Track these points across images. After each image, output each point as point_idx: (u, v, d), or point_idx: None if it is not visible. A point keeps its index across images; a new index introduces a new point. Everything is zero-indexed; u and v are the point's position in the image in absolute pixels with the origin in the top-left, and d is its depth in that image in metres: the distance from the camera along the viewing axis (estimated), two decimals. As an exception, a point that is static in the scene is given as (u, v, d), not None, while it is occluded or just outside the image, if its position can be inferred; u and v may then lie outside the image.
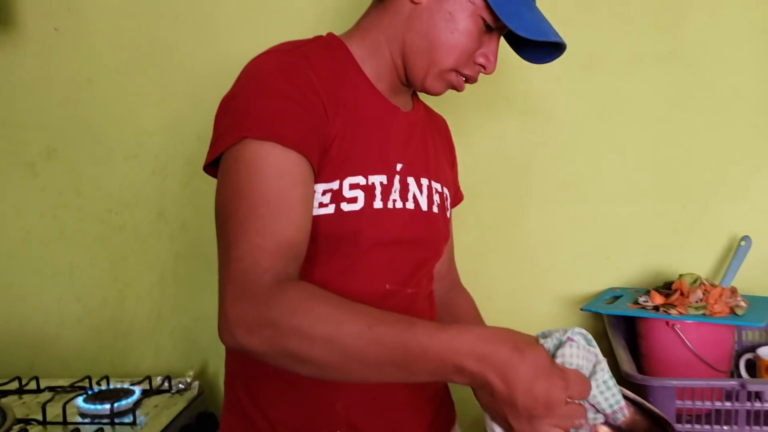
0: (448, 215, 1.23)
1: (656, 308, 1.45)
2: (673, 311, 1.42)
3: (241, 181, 0.91)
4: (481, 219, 1.67)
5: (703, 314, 1.40)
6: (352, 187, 1.02)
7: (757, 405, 1.20)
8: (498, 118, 1.64)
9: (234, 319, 0.82)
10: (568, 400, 0.78)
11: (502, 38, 1.15)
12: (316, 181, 0.99)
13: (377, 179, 1.05)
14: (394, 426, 1.10)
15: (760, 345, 1.55)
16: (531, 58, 1.19)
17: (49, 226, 1.73)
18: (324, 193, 1.00)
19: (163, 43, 1.67)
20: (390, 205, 1.06)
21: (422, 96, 1.23)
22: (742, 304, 1.44)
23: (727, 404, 1.20)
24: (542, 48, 1.15)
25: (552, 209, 1.67)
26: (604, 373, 0.85)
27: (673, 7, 1.60)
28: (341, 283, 1.02)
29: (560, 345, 0.85)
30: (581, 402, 0.82)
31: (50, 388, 1.53)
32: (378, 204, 1.04)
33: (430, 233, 1.15)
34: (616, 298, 1.57)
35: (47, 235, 1.73)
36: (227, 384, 1.12)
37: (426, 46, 1.06)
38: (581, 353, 0.83)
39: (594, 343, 0.86)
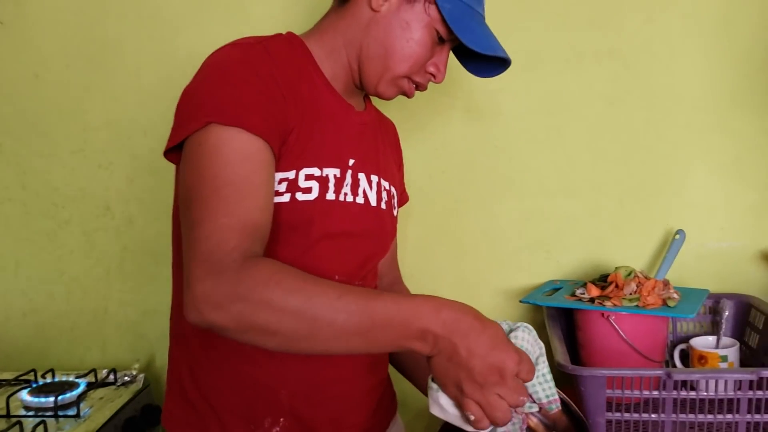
0: (395, 213, 1.27)
1: (592, 300, 1.50)
2: (607, 303, 1.47)
3: (206, 165, 0.93)
4: (426, 214, 1.70)
5: (637, 306, 1.45)
6: (308, 177, 1.05)
7: (683, 393, 1.25)
8: (442, 115, 1.68)
9: (201, 296, 0.83)
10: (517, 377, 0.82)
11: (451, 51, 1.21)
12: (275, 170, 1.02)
13: (331, 172, 1.09)
14: (336, 415, 1.13)
15: (694, 336, 1.61)
16: (476, 71, 1.27)
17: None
18: (280, 182, 1.03)
19: (110, 38, 1.67)
20: (342, 197, 1.10)
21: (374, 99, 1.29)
22: (675, 296, 1.49)
23: (655, 393, 1.25)
24: (488, 62, 1.23)
25: (494, 204, 1.71)
26: (545, 366, 0.91)
27: (612, 7, 1.65)
28: None
29: (511, 331, 0.90)
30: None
31: (-6, 382, 1.54)
32: (331, 195, 1.08)
33: (378, 228, 1.19)
34: (556, 290, 1.61)
35: (-8, 230, 1.73)
36: (171, 371, 1.14)
37: (382, 53, 1.10)
38: (531, 340, 0.89)
39: (538, 338, 0.90)
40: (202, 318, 0.83)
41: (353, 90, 1.18)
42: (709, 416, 1.25)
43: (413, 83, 1.16)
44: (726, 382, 1.25)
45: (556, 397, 0.92)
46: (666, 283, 1.50)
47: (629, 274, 1.52)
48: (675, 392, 1.23)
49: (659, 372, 1.23)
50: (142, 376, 1.59)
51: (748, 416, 1.23)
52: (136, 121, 1.69)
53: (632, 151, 1.69)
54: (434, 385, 0.87)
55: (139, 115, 1.69)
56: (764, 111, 1.67)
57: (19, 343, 1.74)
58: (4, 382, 1.53)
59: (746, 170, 1.69)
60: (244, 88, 0.98)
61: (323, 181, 1.07)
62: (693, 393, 1.26)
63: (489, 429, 0.85)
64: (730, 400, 1.26)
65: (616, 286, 1.51)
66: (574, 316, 1.55)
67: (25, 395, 1.45)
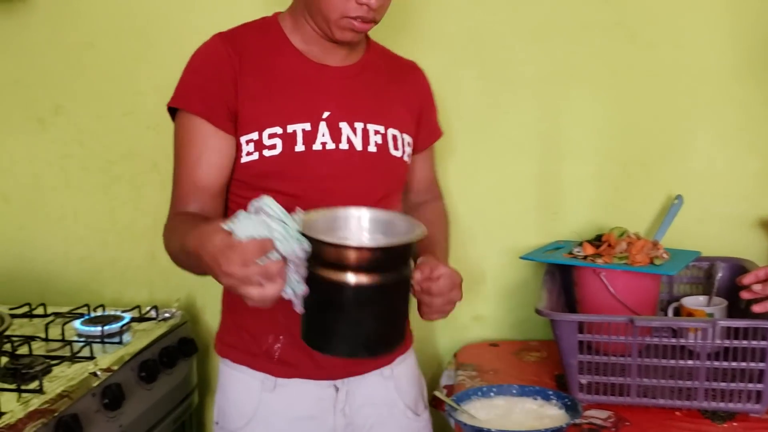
0: (399, 153, 1.36)
1: (586, 258, 1.61)
2: (599, 260, 1.58)
3: (174, 142, 1.34)
4: (440, 175, 1.83)
5: (625, 263, 1.56)
6: (271, 136, 1.26)
7: (648, 339, 1.37)
8: (454, 82, 1.79)
9: None
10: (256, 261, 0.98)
11: None
12: (240, 134, 1.25)
13: (299, 127, 1.27)
14: None
15: (688, 296, 1.70)
16: None
17: (56, 175, 1.94)
18: (248, 143, 1.25)
19: (156, 11, 1.85)
20: (317, 147, 1.27)
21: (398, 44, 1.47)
22: (664, 255, 1.59)
23: (622, 338, 1.37)
24: None
25: (504, 167, 1.83)
26: (282, 227, 1.03)
27: (620, -21, 1.74)
28: None
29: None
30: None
31: (54, 314, 1.75)
32: (300, 148, 1.26)
33: (369, 169, 1.32)
34: (557, 249, 1.73)
35: (54, 183, 1.94)
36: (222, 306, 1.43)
37: (316, 5, 1.25)
38: (250, 223, 1.01)
39: (274, 208, 1.06)
40: None
41: (332, 47, 1.31)
42: (672, 361, 1.36)
43: (354, 19, 1.23)
44: (706, 330, 1.36)
45: (303, 245, 1.03)
46: (655, 244, 1.60)
47: (622, 234, 1.63)
48: (640, 338, 1.35)
49: (623, 318, 1.35)
50: (179, 312, 1.78)
51: (707, 362, 1.34)
52: (179, 86, 1.87)
53: (637, 119, 1.78)
54: None
55: (182, 81, 1.87)
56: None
57: (76, 284, 1.96)
58: (61, 314, 1.75)
59: (750, 139, 1.76)
60: (193, 74, 1.30)
61: (288, 138, 1.26)
62: (656, 339, 1.37)
63: (287, 294, 1.04)
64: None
65: (609, 245, 1.62)
66: (573, 274, 1.67)
67: (77, 324, 1.66)
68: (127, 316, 1.71)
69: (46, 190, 1.96)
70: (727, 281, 1.67)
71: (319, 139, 1.28)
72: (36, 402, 1.28)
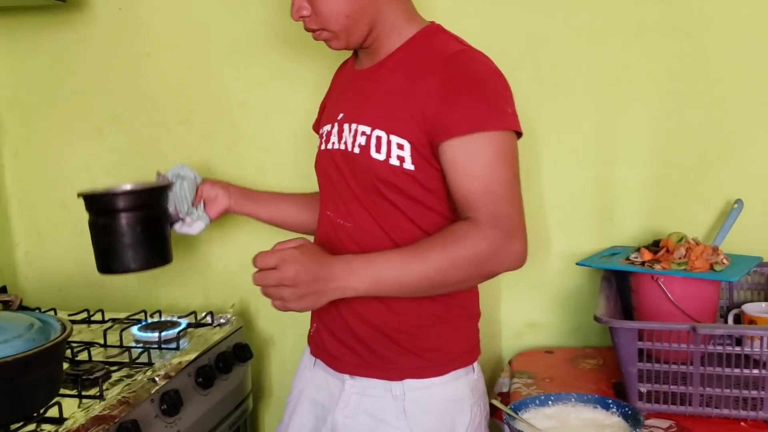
0: (381, 156, 1.28)
1: (643, 264, 1.58)
2: (657, 266, 1.55)
3: None
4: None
5: (684, 269, 1.53)
6: (319, 136, 1.45)
7: (710, 348, 1.33)
8: (511, 86, 1.77)
9: None
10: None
11: None
12: None
13: (326, 128, 1.42)
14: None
15: (749, 302, 1.66)
16: None
17: (113, 182, 1.97)
18: None
19: (208, 22, 1.88)
20: (330, 146, 1.38)
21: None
22: (725, 261, 1.55)
23: (683, 346, 1.34)
24: None
25: (560, 172, 1.81)
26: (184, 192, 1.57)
27: (678, -20, 1.70)
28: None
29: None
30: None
31: (112, 320, 1.79)
32: (322, 146, 1.42)
33: (351, 170, 1.33)
34: (614, 255, 1.70)
35: (113, 191, 1.99)
36: None
37: None
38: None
39: (187, 170, 1.60)
40: None
41: (362, 53, 1.41)
42: (736, 370, 1.32)
43: (308, 30, 1.35)
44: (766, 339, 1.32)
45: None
46: (715, 249, 1.56)
47: (680, 240, 1.59)
48: (702, 346, 1.32)
49: (685, 326, 1.32)
50: (235, 318, 1.80)
51: (774, 372, 1.30)
52: (232, 95, 1.90)
53: (695, 122, 1.74)
54: None
55: (234, 90, 1.90)
56: (834, 83, 1.68)
57: (133, 290, 2.00)
58: (119, 320, 1.78)
59: (813, 142, 1.71)
60: None
61: (322, 137, 1.42)
62: (720, 348, 1.33)
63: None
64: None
65: (667, 250, 1.59)
66: (629, 280, 1.64)
67: (135, 330, 1.69)
68: (184, 322, 1.74)
69: (104, 198, 2.00)
70: (790, 288, 1.63)
71: (332, 139, 1.38)
72: (97, 408, 1.31)
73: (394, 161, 1.27)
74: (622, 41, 1.74)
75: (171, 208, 1.57)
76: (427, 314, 1.33)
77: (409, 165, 1.27)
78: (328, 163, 1.39)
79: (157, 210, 1.55)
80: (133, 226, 1.51)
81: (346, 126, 1.35)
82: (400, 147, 1.27)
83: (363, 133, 1.31)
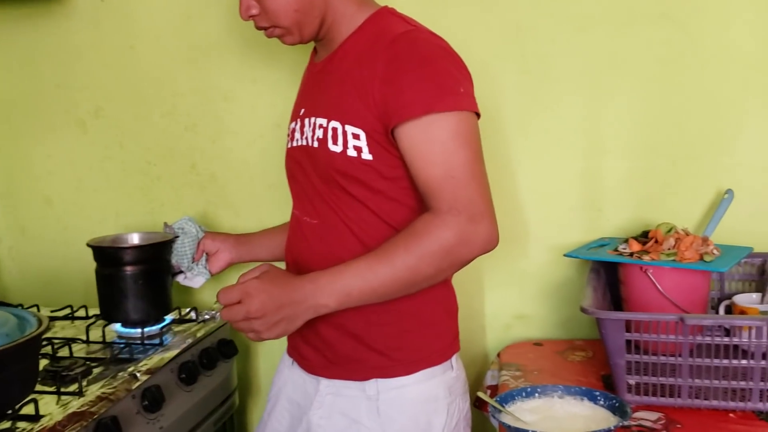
0: (338, 148, 1.25)
1: (632, 255, 1.56)
2: (646, 257, 1.53)
3: None
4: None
5: (673, 260, 1.51)
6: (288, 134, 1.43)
7: (699, 339, 1.32)
8: (495, 78, 1.76)
9: None
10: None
11: None
12: None
13: (292, 126, 1.40)
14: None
15: (740, 293, 1.64)
16: None
17: (97, 176, 1.96)
18: None
19: (194, 14, 1.85)
20: (294, 143, 1.37)
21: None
22: (715, 252, 1.53)
23: (671, 337, 1.32)
24: None
25: (548, 163, 1.78)
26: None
27: (665, -31, 1.68)
28: None
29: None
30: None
31: (96, 316, 1.76)
32: (288, 144, 1.40)
33: (312, 165, 1.31)
34: (602, 246, 1.68)
35: (96, 185, 1.96)
36: None
37: None
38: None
39: (191, 225, 1.66)
40: None
41: (320, 45, 1.39)
42: (725, 361, 1.30)
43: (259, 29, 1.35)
44: (761, 328, 1.30)
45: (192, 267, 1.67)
46: (705, 240, 1.54)
47: (669, 230, 1.57)
48: (690, 337, 1.30)
49: (673, 317, 1.30)
50: (219, 314, 1.78)
51: (763, 362, 1.28)
52: (217, 87, 1.87)
53: (685, 111, 1.72)
54: None
55: (220, 82, 1.87)
56: (824, 70, 1.66)
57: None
58: (100, 316, 1.75)
59: (805, 130, 1.69)
60: None
61: (289, 135, 1.41)
62: (708, 339, 1.31)
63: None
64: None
65: (656, 241, 1.57)
66: (618, 271, 1.62)
67: (118, 326, 1.67)
68: (168, 318, 1.71)
69: (88, 192, 1.98)
70: (781, 278, 1.61)
71: (296, 136, 1.36)
72: (75, 404, 1.28)
73: (351, 152, 1.24)
74: (611, 30, 1.72)
75: (174, 260, 1.66)
76: (393, 312, 1.28)
77: (366, 155, 1.23)
78: (293, 161, 1.38)
79: (161, 264, 1.65)
80: (136, 280, 1.62)
81: (306, 121, 1.33)
82: (356, 137, 1.23)
83: (320, 126, 1.28)
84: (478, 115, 1.25)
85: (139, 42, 1.90)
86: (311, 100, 1.35)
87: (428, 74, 1.19)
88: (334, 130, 1.25)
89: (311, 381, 1.38)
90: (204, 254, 1.64)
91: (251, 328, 1.15)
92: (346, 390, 1.32)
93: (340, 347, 1.32)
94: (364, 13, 1.31)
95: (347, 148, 1.24)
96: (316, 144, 1.29)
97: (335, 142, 1.25)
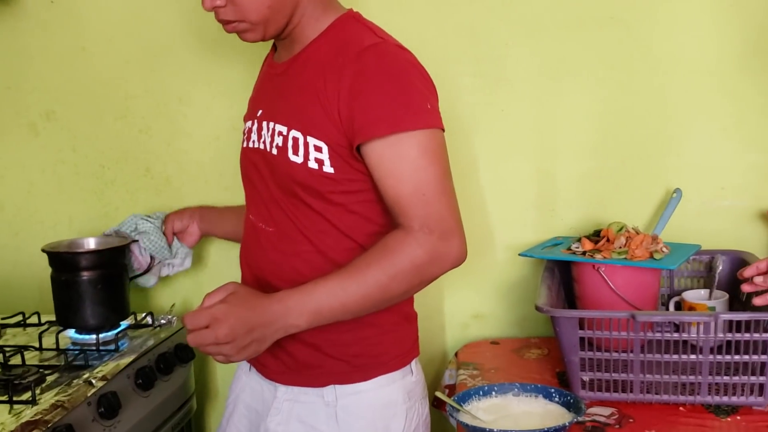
0: (299, 159, 1.23)
1: (585, 253, 1.60)
2: (598, 255, 1.57)
3: None
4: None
5: (625, 258, 1.54)
6: (243, 132, 1.41)
7: (649, 335, 1.35)
8: (450, 80, 1.77)
9: None
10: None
11: None
12: None
13: (248, 125, 1.38)
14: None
15: (689, 290, 1.68)
16: None
17: (49, 180, 1.92)
18: None
19: (147, 15, 1.83)
20: (251, 144, 1.34)
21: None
22: (664, 250, 1.58)
23: (623, 334, 1.35)
24: None
25: (502, 165, 1.81)
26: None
27: (614, -27, 1.72)
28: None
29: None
30: None
31: (49, 322, 1.73)
32: (244, 144, 1.38)
33: (270, 172, 1.29)
34: (556, 245, 1.71)
35: (48, 189, 1.93)
36: None
37: None
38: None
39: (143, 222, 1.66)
40: None
41: (281, 45, 1.36)
42: (674, 356, 1.34)
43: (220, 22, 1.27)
44: (708, 324, 1.34)
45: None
46: (655, 238, 1.59)
47: (620, 229, 1.61)
48: (642, 333, 1.33)
49: (624, 314, 1.33)
50: (176, 319, 1.76)
51: (711, 357, 1.32)
52: (171, 89, 1.86)
53: (634, 113, 1.76)
54: None
55: (174, 84, 1.85)
56: (767, 72, 1.72)
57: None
58: (55, 323, 1.72)
59: (748, 131, 1.75)
60: None
61: (244, 133, 1.38)
62: (659, 335, 1.35)
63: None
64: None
65: (608, 240, 1.60)
66: (572, 270, 1.65)
67: (72, 333, 1.64)
68: (124, 323, 1.69)
69: (40, 197, 1.94)
70: (727, 274, 1.65)
71: (252, 137, 1.34)
72: (29, 413, 1.26)
73: (312, 164, 1.22)
74: (562, 33, 1.75)
75: (156, 257, 1.67)
76: (351, 321, 1.25)
77: (328, 168, 1.22)
78: (249, 162, 1.35)
79: (119, 268, 1.65)
80: (94, 285, 1.60)
81: (264, 124, 1.30)
82: (318, 149, 1.22)
83: (280, 134, 1.26)
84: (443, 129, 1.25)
85: (91, 44, 1.87)
86: (270, 102, 1.33)
87: (396, 91, 1.18)
88: (295, 139, 1.23)
89: (269, 387, 1.37)
90: (174, 237, 1.64)
91: (220, 352, 1.13)
92: (304, 396, 1.32)
93: (298, 354, 1.31)
94: (329, 16, 1.28)
95: (308, 159, 1.22)
96: (275, 151, 1.26)
97: (296, 153, 1.23)
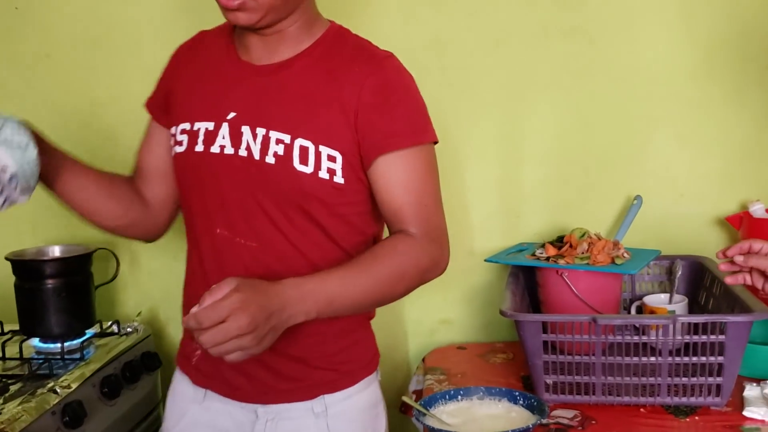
0: (309, 169, 1.18)
1: (548, 259, 1.63)
2: (561, 261, 1.60)
3: None
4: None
5: (587, 263, 1.58)
6: (182, 132, 1.25)
7: (611, 338, 1.38)
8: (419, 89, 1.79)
9: None
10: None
11: None
12: (169, 127, 1.30)
13: (203, 126, 1.22)
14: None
15: (650, 294, 1.72)
16: None
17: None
18: (171, 137, 1.29)
19: (113, 21, 1.83)
20: (216, 149, 1.20)
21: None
22: (626, 255, 1.61)
23: (585, 337, 1.38)
24: None
25: (467, 172, 1.84)
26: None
27: (575, -15, 1.76)
28: (189, 223, 1.28)
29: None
30: None
31: (12, 331, 1.71)
32: (199, 148, 1.22)
33: (258, 182, 1.19)
34: (521, 251, 1.74)
35: (11, 198, 1.90)
36: None
37: None
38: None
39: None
40: None
41: (255, 41, 1.22)
42: (635, 359, 1.37)
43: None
44: (667, 327, 1.38)
45: None
46: (616, 244, 1.62)
47: (583, 235, 1.64)
48: (603, 336, 1.36)
49: (586, 317, 1.36)
50: (142, 326, 1.76)
51: (670, 359, 1.35)
52: (138, 97, 1.84)
53: (597, 121, 1.80)
54: None
55: (140, 91, 1.84)
56: (724, 82, 1.77)
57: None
58: (18, 332, 1.70)
59: (707, 139, 1.80)
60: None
61: (193, 135, 1.23)
62: (620, 338, 1.38)
63: None
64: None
65: (571, 245, 1.63)
66: (537, 275, 1.68)
67: (36, 342, 1.63)
68: (89, 332, 1.68)
69: (2, 206, 1.92)
70: (687, 279, 1.70)
71: (218, 141, 1.21)
72: (-9, 423, 1.25)
73: (323, 174, 1.18)
74: (526, 44, 1.79)
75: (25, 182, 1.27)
76: (328, 334, 1.25)
77: (339, 179, 1.19)
78: (212, 169, 1.21)
79: (84, 276, 1.67)
80: (59, 293, 1.61)
81: (246, 129, 1.20)
82: (331, 159, 1.18)
83: (279, 141, 1.18)
84: None
85: (56, 50, 1.86)
86: (252, 106, 1.21)
87: (414, 105, 1.23)
88: (304, 149, 1.18)
89: (242, 411, 1.28)
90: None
91: (240, 346, 1.01)
92: (289, 413, 1.26)
93: (282, 369, 1.25)
94: (321, 24, 1.26)
95: (320, 169, 1.18)
96: (271, 160, 1.18)
97: (304, 162, 1.18)
